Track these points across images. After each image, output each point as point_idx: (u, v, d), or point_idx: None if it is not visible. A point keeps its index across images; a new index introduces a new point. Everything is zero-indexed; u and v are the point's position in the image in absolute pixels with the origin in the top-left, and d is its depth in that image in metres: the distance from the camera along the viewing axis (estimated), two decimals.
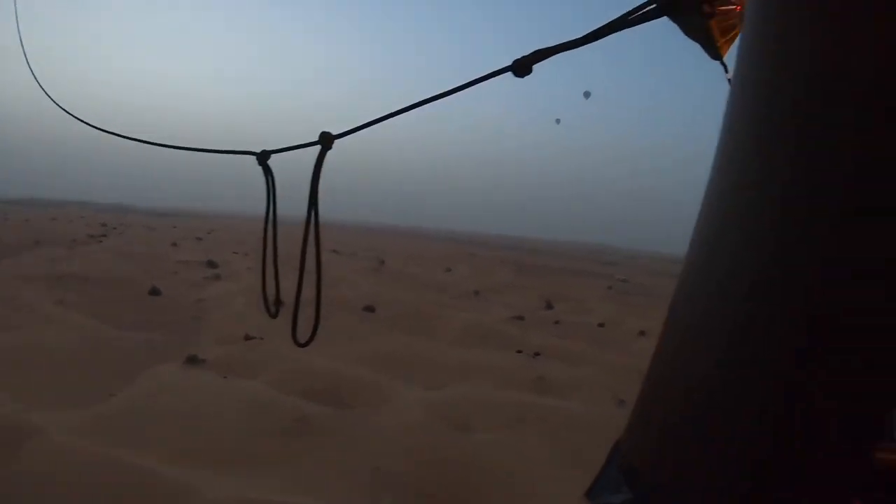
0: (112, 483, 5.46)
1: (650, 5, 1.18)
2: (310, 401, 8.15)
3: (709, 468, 0.77)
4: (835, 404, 0.62)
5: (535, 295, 22.86)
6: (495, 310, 18.83)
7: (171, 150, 2.20)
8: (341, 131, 1.63)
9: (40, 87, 2.66)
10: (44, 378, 8.44)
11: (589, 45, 1.23)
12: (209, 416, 7.34)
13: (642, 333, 14.72)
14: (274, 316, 2.01)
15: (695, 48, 1.81)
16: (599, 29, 1.22)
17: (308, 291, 1.65)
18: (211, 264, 23.74)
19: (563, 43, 1.16)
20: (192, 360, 9.45)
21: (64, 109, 2.57)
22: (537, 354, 11.90)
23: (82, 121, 2.45)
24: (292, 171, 1.96)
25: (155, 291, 16.37)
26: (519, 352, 12.11)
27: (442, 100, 1.51)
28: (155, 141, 2.22)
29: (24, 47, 2.80)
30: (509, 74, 1.28)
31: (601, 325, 17.05)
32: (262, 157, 1.72)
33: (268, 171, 1.80)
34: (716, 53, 1.75)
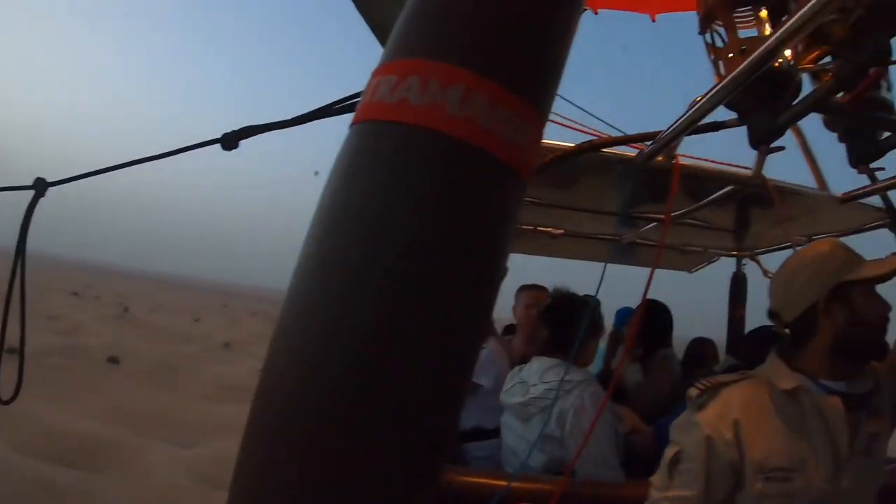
0: None
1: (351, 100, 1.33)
2: (56, 464, 7.78)
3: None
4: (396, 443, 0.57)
5: None
6: (246, 362, 18.88)
7: None
8: (60, 179, 1.56)
9: None
10: None
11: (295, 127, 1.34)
12: None
13: None
14: None
15: None
16: (306, 114, 1.36)
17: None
18: None
19: (271, 123, 1.19)
20: None
21: None
22: None
23: None
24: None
25: None
26: None
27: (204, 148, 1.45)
28: None
29: None
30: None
31: None
32: None
33: None
34: None
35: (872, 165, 1.96)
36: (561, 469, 2.53)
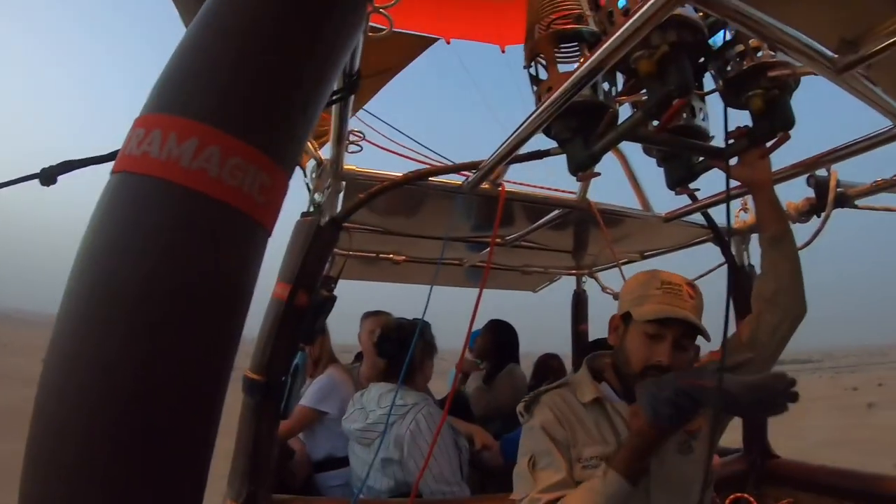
0: None
1: None
2: None
3: None
4: None
5: None
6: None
7: None
8: None
9: None
10: None
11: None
12: None
13: None
14: None
15: None
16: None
17: None
18: None
19: (91, 157, 1.14)
20: None
21: None
22: None
23: None
24: None
25: None
26: None
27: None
28: None
29: None
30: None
31: None
32: None
33: None
34: None
35: (692, 186, 2.06)
36: (406, 491, 2.57)
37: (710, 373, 1.59)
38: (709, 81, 1.86)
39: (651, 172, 2.45)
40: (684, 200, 2.81)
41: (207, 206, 0.68)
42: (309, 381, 3.57)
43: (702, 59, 1.75)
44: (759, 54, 1.67)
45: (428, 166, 2.47)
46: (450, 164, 2.42)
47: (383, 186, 2.30)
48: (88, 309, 0.67)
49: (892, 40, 1.22)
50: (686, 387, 1.61)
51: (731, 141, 1.86)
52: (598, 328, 4.79)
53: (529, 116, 1.72)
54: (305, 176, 2.59)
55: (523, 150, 1.99)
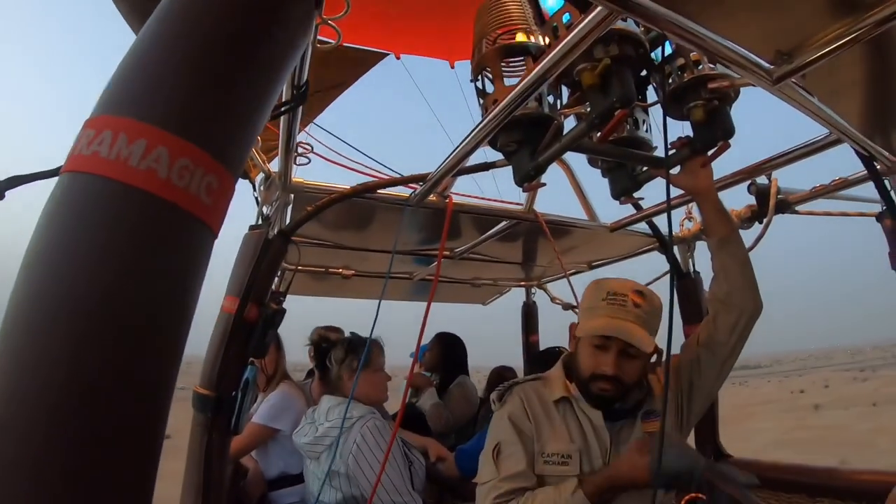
0: None
1: None
2: None
3: None
4: None
5: None
6: None
7: None
8: None
9: None
10: None
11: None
12: None
13: None
14: None
15: None
16: None
17: None
18: None
19: (40, 172, 1.09)
20: None
21: None
22: None
23: None
24: None
25: None
26: None
27: None
28: None
29: None
30: None
31: None
32: None
33: None
34: None
35: (636, 195, 2.11)
36: (354, 503, 2.60)
37: (738, 482, 1.72)
38: (651, 94, 1.91)
39: (596, 183, 2.50)
40: (630, 210, 2.88)
41: (155, 205, 0.69)
42: (261, 397, 3.53)
43: (644, 72, 1.80)
44: (700, 67, 1.72)
45: (376, 179, 2.47)
46: (398, 176, 2.43)
47: (331, 199, 2.30)
48: (33, 308, 0.66)
49: (825, 51, 1.28)
50: (709, 480, 1.72)
51: (672, 150, 1.92)
52: (548, 338, 4.84)
53: (475, 129, 1.76)
54: (254, 189, 2.56)
55: (470, 162, 2.02)
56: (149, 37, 0.77)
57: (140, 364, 0.68)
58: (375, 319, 2.37)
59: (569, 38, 1.33)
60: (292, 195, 2.47)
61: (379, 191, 2.42)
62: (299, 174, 2.44)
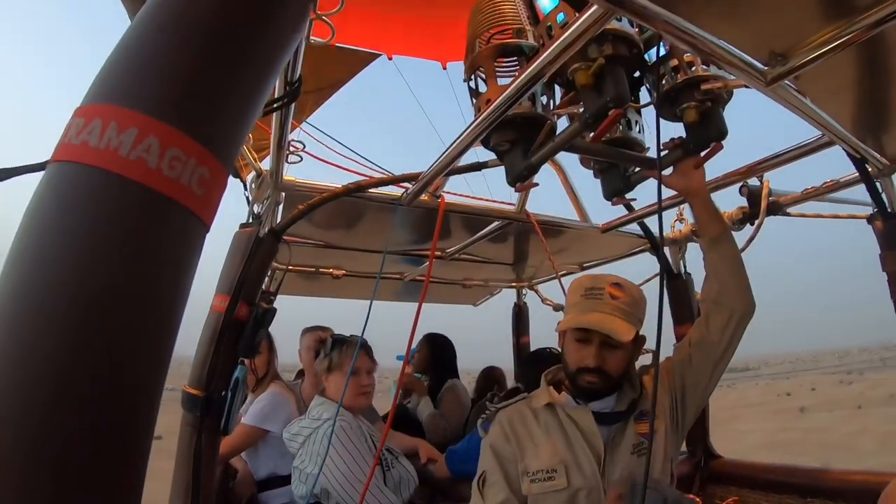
0: None
1: None
2: None
3: None
4: None
5: None
6: None
7: None
8: None
9: None
10: None
11: None
12: None
13: None
14: None
15: None
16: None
17: None
18: None
19: (27, 165, 0.95)
20: None
21: None
22: None
23: None
24: None
25: None
26: None
27: None
28: None
29: None
30: None
31: None
32: None
33: None
34: None
35: (628, 196, 2.10)
36: (318, 499, 2.61)
37: None
38: (644, 95, 1.92)
39: (588, 184, 2.50)
40: (621, 211, 2.88)
41: (146, 196, 0.68)
42: (251, 398, 3.52)
43: (637, 73, 1.81)
44: (693, 68, 1.73)
45: (368, 178, 2.46)
46: (389, 175, 2.42)
47: (323, 197, 2.29)
48: (20, 301, 0.65)
49: (818, 53, 1.29)
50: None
51: (665, 151, 1.92)
52: (539, 340, 4.84)
53: (467, 128, 1.75)
54: (245, 188, 2.54)
55: (462, 161, 2.02)
56: (141, 26, 0.76)
57: (130, 358, 0.67)
58: (367, 320, 2.36)
59: (563, 37, 1.33)
60: (283, 194, 2.46)
61: (370, 190, 2.41)
62: (291, 173, 2.43)
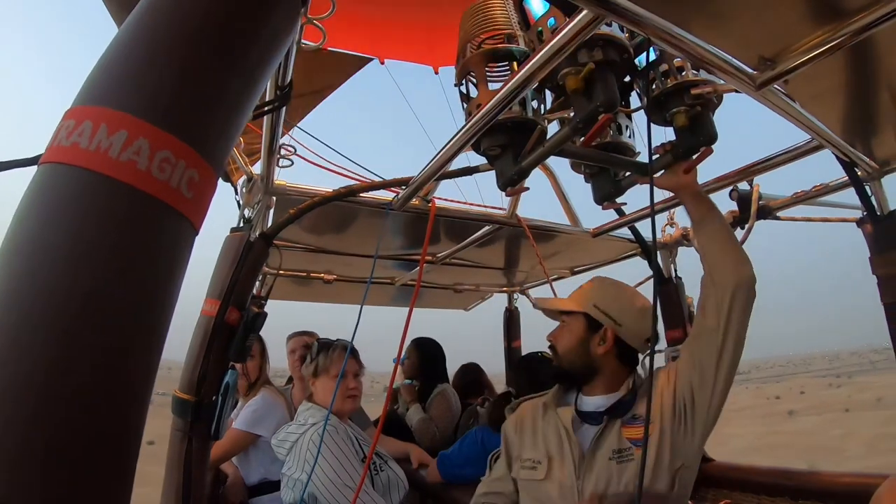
0: None
1: None
2: None
3: None
4: None
5: None
6: None
7: None
8: None
9: None
10: None
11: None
12: None
13: None
14: None
15: None
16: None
17: None
18: None
19: (16, 160, 0.91)
20: None
21: None
22: None
23: None
24: None
25: None
26: None
27: None
28: None
29: None
30: None
31: None
32: None
33: None
34: None
35: (619, 201, 2.10)
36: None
37: None
38: (635, 100, 1.92)
39: (579, 189, 2.51)
40: (612, 216, 2.89)
41: (135, 198, 0.68)
42: (241, 403, 3.50)
43: (627, 78, 1.81)
44: (683, 73, 1.74)
45: (359, 182, 2.45)
46: (380, 180, 2.42)
47: (314, 201, 2.29)
48: (9, 302, 0.64)
49: (807, 57, 1.30)
50: None
51: (655, 156, 1.92)
52: (530, 344, 4.85)
53: (458, 132, 1.76)
54: (236, 192, 2.54)
55: (454, 166, 2.02)
56: (132, 28, 0.76)
57: (119, 359, 0.66)
58: (357, 325, 2.35)
59: (554, 41, 1.34)
60: (274, 198, 2.45)
61: (361, 194, 2.41)
62: (282, 177, 2.42)
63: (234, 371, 2.21)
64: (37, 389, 0.60)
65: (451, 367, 4.63)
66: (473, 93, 1.71)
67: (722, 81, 1.65)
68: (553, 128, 1.86)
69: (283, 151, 2.26)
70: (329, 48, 1.53)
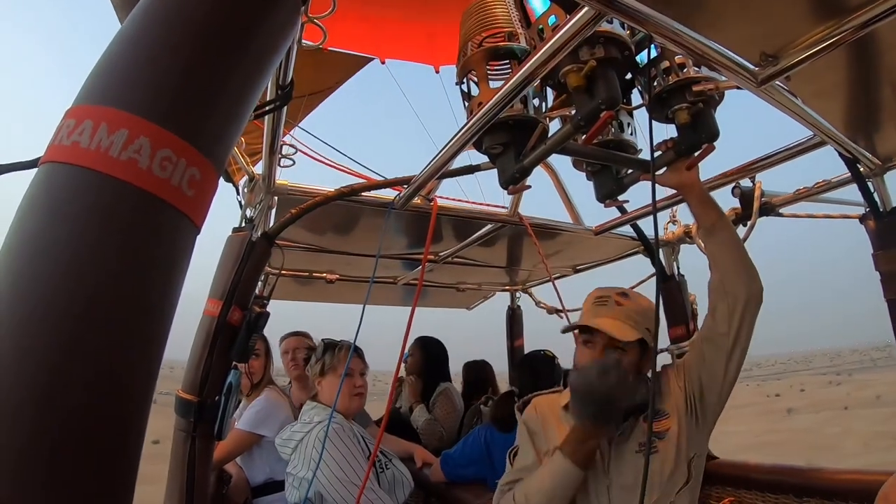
0: None
1: None
2: None
3: None
4: None
5: None
6: None
7: None
8: None
9: None
10: None
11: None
12: None
13: None
14: None
15: None
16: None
17: None
18: None
19: (16, 163, 0.96)
20: None
21: None
22: None
23: None
24: None
25: None
26: None
27: None
28: None
29: None
30: None
31: None
32: None
33: None
34: None
35: (621, 198, 2.09)
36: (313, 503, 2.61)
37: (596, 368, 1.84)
38: (636, 97, 1.92)
39: (581, 187, 2.51)
40: (614, 214, 2.88)
41: (136, 197, 0.68)
42: (244, 403, 3.51)
43: (629, 76, 1.81)
44: (684, 70, 1.73)
45: (361, 181, 2.45)
46: (382, 179, 2.42)
47: (316, 201, 2.28)
48: (11, 302, 0.64)
49: (809, 53, 1.29)
50: (580, 385, 1.87)
51: (658, 153, 1.92)
52: (532, 342, 4.85)
53: (460, 131, 1.75)
54: (238, 192, 2.54)
55: (455, 164, 2.02)
56: (133, 27, 0.76)
57: (121, 358, 0.66)
58: (360, 324, 2.35)
59: (555, 38, 1.33)
60: (276, 198, 2.45)
61: (363, 194, 2.41)
62: (283, 177, 2.42)
63: (237, 371, 2.21)
64: (38, 389, 0.60)
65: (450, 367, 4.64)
66: (475, 91, 1.70)
67: (724, 78, 1.65)
68: (554, 125, 1.86)
69: (284, 150, 2.26)
70: (329, 48, 1.53)
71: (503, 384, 4.65)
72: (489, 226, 2.98)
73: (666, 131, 1.91)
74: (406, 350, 4.56)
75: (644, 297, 2.09)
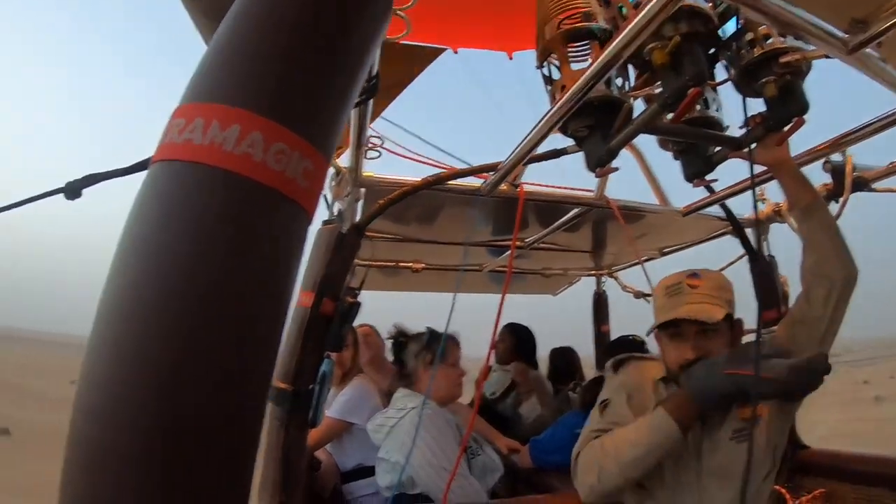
0: None
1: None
2: None
3: None
4: None
5: None
6: None
7: None
8: None
9: None
10: None
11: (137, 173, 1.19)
12: None
13: None
14: None
15: None
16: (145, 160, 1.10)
17: None
18: None
19: (115, 170, 1.19)
20: None
21: None
22: None
23: None
24: None
25: None
26: None
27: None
28: None
29: None
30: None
31: None
32: None
33: None
34: None
35: (709, 178, 2.04)
36: (405, 488, 2.65)
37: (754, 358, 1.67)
38: (720, 72, 1.87)
39: (665, 167, 2.46)
40: (700, 194, 2.82)
41: (254, 190, 0.69)
42: (334, 391, 3.60)
43: (712, 50, 1.77)
44: (769, 41, 1.68)
45: (446, 170, 2.48)
46: (468, 167, 2.43)
47: (404, 191, 2.32)
48: (130, 298, 0.66)
49: None
50: (731, 376, 1.74)
51: (747, 129, 1.87)
52: (619, 328, 4.78)
53: (545, 116, 1.74)
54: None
55: (540, 149, 2.02)
56: (232, 27, 0.78)
57: (242, 352, 0.67)
58: (451, 312, 2.39)
59: (639, 17, 1.31)
60: (363, 190, 2.50)
61: (449, 182, 2.43)
62: (367, 169, 2.48)
63: (330, 360, 2.27)
64: (159, 386, 0.62)
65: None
66: (556, 75, 1.69)
67: (811, 47, 1.59)
68: (637, 105, 1.83)
69: (370, 143, 2.30)
70: (403, 41, 1.56)
71: (588, 370, 4.61)
72: (576, 210, 2.95)
73: (752, 106, 1.86)
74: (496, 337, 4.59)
75: (712, 270, 2.06)
